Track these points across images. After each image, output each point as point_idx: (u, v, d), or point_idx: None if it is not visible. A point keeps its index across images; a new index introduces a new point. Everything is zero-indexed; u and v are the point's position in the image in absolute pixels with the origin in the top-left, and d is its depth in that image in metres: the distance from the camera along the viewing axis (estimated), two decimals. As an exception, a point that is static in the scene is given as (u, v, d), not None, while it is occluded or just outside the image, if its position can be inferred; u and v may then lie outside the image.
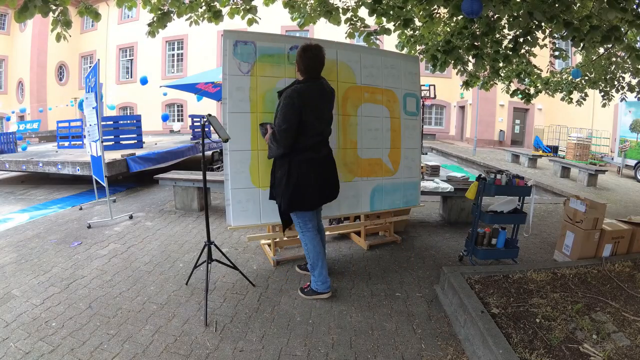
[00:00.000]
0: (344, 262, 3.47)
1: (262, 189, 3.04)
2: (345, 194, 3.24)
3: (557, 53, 5.12)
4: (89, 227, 4.41)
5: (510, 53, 3.85)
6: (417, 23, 4.45)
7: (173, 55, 20.70)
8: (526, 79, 5.89)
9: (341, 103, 3.26)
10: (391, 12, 3.70)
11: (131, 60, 21.28)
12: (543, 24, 3.24)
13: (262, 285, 2.96)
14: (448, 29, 4.54)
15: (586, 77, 6.39)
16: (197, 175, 5.14)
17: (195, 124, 10.91)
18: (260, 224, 3.14)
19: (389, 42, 5.23)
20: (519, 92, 6.08)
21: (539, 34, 3.93)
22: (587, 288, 2.67)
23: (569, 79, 6.65)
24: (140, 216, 4.93)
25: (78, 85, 21.52)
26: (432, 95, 8.37)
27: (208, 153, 9.40)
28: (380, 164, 3.55)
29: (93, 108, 4.68)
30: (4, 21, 20.63)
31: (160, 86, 10.88)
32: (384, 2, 3.63)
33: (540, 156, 12.15)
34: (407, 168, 3.73)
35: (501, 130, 17.86)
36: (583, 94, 6.70)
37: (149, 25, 3.65)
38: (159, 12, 3.60)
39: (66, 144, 9.18)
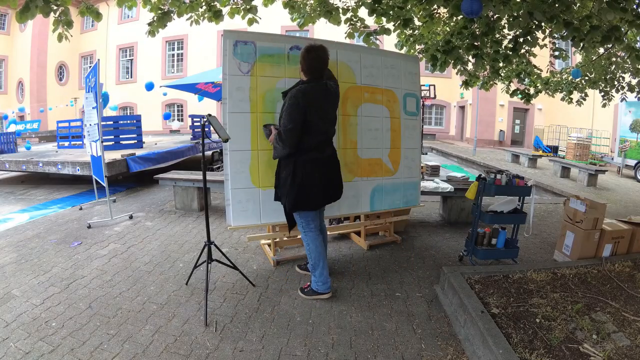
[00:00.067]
0: (344, 262, 3.47)
1: (262, 189, 3.04)
2: (345, 194, 3.23)
3: (557, 53, 5.12)
4: (89, 227, 4.41)
5: (510, 53, 3.85)
6: (417, 23, 4.45)
7: (173, 55, 20.70)
8: (526, 79, 5.89)
9: (341, 103, 3.24)
10: (391, 12, 3.70)
11: (131, 60, 21.28)
12: (543, 24, 3.24)
13: (262, 285, 2.96)
14: (448, 29, 4.54)
15: (586, 77, 6.38)
16: (197, 175, 5.14)
17: (195, 124, 10.91)
18: (260, 224, 3.14)
19: (389, 42, 5.23)
20: (519, 92, 6.08)
21: (539, 34, 3.93)
22: (587, 288, 2.67)
23: (569, 79, 6.65)
24: (140, 216, 4.93)
25: (78, 85, 21.52)
26: (432, 95, 8.37)
27: (208, 153, 9.40)
28: (380, 164, 3.55)
29: (93, 108, 4.68)
30: (4, 21, 20.63)
31: (160, 86, 10.88)
32: (383, 2, 3.63)
33: (540, 156, 12.15)
34: (407, 168, 3.73)
35: (501, 130, 17.86)
36: (583, 94, 6.70)
37: (149, 24, 3.65)
38: (159, 12, 3.60)
39: (66, 144, 9.18)
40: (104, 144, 5.19)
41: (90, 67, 17.39)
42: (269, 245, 3.50)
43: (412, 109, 3.75)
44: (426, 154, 13.25)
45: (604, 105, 6.81)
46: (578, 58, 7.97)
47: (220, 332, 2.34)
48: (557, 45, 5.25)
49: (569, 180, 9.05)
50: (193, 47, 19.75)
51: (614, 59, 5.90)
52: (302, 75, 2.62)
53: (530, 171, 10.31)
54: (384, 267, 3.36)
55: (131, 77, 21.33)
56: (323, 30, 8.92)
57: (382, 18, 3.78)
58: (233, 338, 2.28)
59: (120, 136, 8.49)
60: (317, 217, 2.80)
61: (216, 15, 3.79)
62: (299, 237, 3.24)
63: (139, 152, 7.00)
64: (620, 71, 6.21)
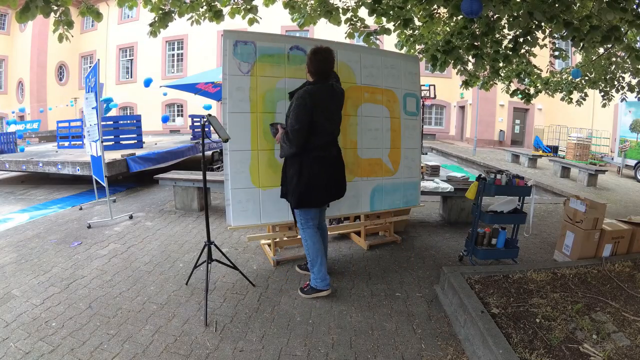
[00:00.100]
0: (344, 262, 3.47)
1: (262, 189, 3.04)
2: (346, 194, 3.22)
3: (557, 53, 5.12)
4: (89, 227, 4.41)
5: (510, 53, 3.85)
6: (417, 23, 4.45)
7: (173, 55, 20.70)
8: (526, 79, 5.90)
9: (341, 103, 3.26)
10: (391, 12, 3.70)
11: (131, 60, 21.28)
12: (543, 24, 3.24)
13: (262, 285, 2.96)
14: (448, 29, 4.54)
15: (586, 77, 6.39)
16: (197, 175, 5.14)
17: (195, 124, 10.91)
18: (260, 224, 3.15)
19: (389, 42, 5.23)
20: (519, 92, 6.08)
21: (539, 34, 3.93)
22: (587, 288, 2.67)
23: (569, 79, 6.65)
24: (140, 216, 4.93)
25: (78, 85, 21.52)
26: (432, 95, 8.37)
27: (208, 153, 9.40)
28: (380, 164, 3.55)
29: (93, 108, 4.68)
30: (4, 21, 20.63)
31: (160, 86, 10.88)
32: (383, 2, 3.63)
33: (540, 156, 12.15)
34: (407, 168, 3.73)
35: (501, 130, 17.86)
36: (583, 94, 6.70)
37: (151, 25, 3.66)
38: (160, 12, 3.60)
39: (66, 144, 9.18)
40: (104, 144, 5.19)
41: (90, 67, 17.38)
42: (269, 245, 3.50)
43: (412, 109, 3.75)
44: (426, 154, 13.25)
45: (603, 105, 6.81)
46: (578, 58, 7.97)
47: (220, 332, 2.34)
48: (557, 45, 5.25)
49: (569, 180, 9.05)
50: (193, 47, 19.75)
51: (614, 59, 5.90)
52: (308, 77, 2.64)
53: (530, 171, 10.31)
54: (384, 267, 3.36)
55: (131, 77, 21.32)
56: (323, 30, 8.90)
57: (382, 18, 3.78)
58: (233, 338, 2.28)
59: (120, 136, 8.49)
60: (318, 214, 2.83)
61: (217, 15, 3.79)
62: (298, 237, 3.24)
63: (139, 152, 7.00)
64: (620, 71, 6.21)
